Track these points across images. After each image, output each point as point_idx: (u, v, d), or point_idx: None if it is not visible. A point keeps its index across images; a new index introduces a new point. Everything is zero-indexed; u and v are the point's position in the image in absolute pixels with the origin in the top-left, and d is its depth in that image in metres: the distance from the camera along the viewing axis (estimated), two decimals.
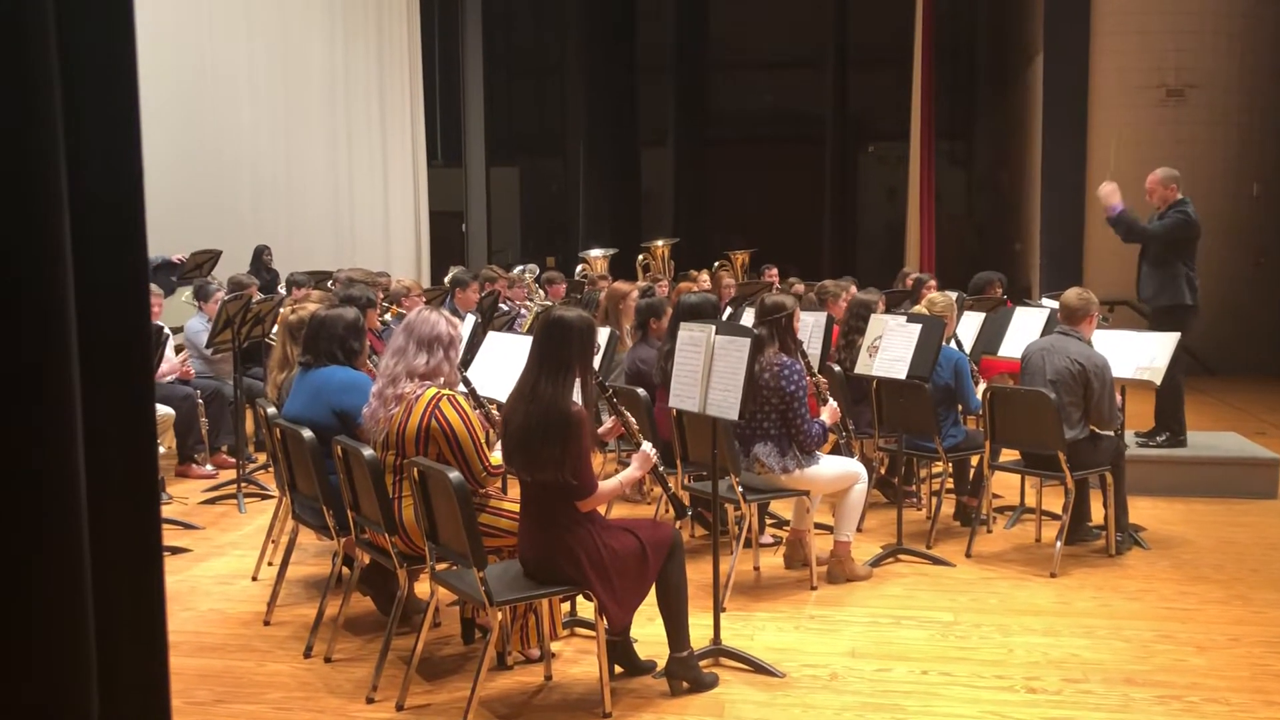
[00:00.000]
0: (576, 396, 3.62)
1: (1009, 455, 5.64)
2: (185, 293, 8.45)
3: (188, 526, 5.95)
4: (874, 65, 18.37)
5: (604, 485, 3.66)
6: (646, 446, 3.87)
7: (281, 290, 9.60)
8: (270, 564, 5.11)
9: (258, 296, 7.50)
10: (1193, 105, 12.38)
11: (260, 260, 11.12)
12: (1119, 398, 5.44)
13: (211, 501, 6.53)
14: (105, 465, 1.27)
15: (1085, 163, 12.67)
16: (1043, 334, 6.09)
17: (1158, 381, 5.56)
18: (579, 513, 3.58)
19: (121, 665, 1.23)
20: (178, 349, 7.66)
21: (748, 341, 3.91)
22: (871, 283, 8.29)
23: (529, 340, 3.88)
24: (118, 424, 1.30)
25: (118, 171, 1.42)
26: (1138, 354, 5.63)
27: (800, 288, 9.71)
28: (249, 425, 7.57)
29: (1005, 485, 6.34)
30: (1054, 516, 5.69)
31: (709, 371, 4.02)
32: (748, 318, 6.83)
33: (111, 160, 1.41)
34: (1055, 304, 6.10)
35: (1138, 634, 4.32)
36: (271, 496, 6.32)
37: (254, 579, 5.10)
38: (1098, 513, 5.54)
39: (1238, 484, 6.49)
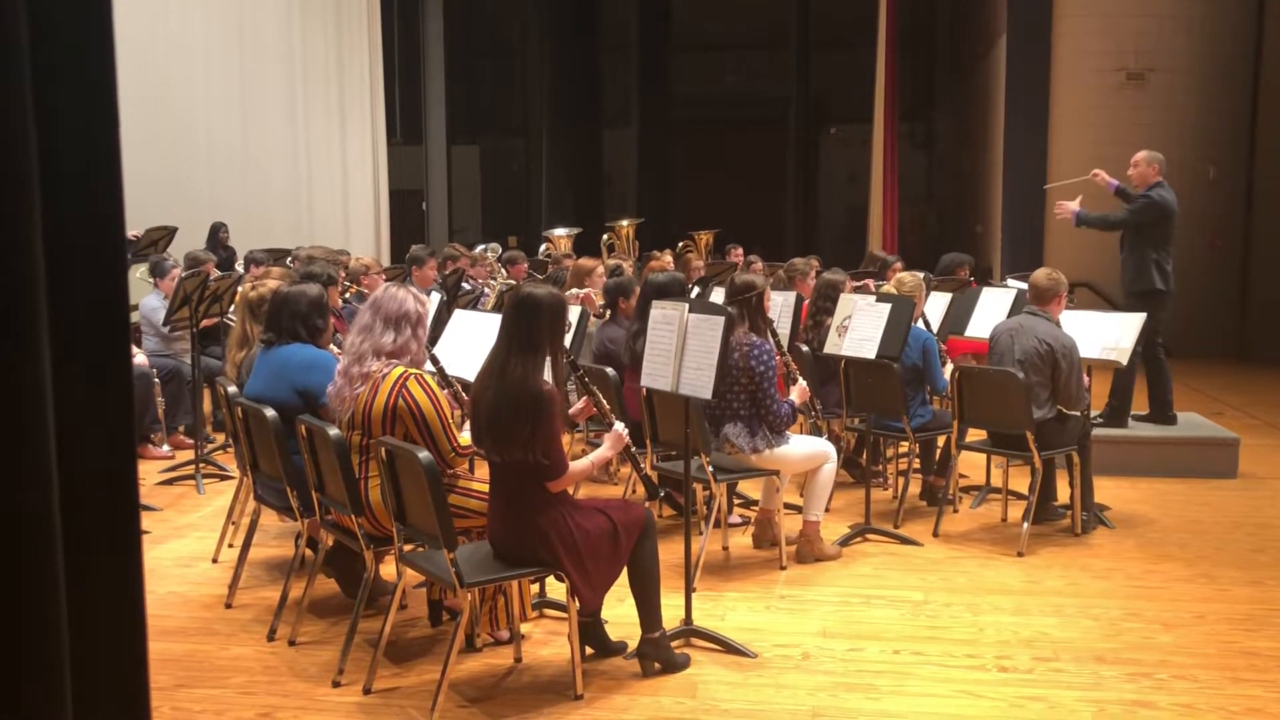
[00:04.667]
0: (547, 375, 3.56)
1: (975, 435, 5.65)
2: (140, 269, 8.25)
3: (145, 508, 5.81)
4: (837, 47, 18.36)
5: (575, 465, 3.61)
6: (619, 426, 3.82)
7: (238, 268, 9.42)
8: (231, 546, 5.01)
9: (215, 274, 7.35)
10: (1152, 89, 12.48)
11: (216, 237, 10.93)
12: (1085, 378, 5.47)
13: (169, 483, 6.39)
14: (80, 450, 1.19)
15: (1047, 146, 12.74)
16: (1010, 314, 6.10)
17: (1124, 362, 5.59)
18: (550, 493, 3.52)
19: (99, 655, 1.16)
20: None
21: (721, 320, 3.86)
22: (834, 264, 8.27)
23: (497, 318, 3.81)
24: (95, 407, 1.23)
25: (95, 151, 1.34)
26: (1104, 334, 5.66)
27: (759, 266, 9.66)
28: (206, 405, 7.43)
29: (970, 465, 6.36)
30: (1019, 496, 5.71)
31: (682, 350, 3.97)
32: (716, 297, 6.79)
33: (89, 140, 1.33)
34: (1023, 285, 6.11)
35: (1106, 612, 4.34)
36: (230, 477, 6.21)
37: (214, 561, 5.00)
38: (1063, 492, 5.58)
39: (1199, 464, 6.55)
